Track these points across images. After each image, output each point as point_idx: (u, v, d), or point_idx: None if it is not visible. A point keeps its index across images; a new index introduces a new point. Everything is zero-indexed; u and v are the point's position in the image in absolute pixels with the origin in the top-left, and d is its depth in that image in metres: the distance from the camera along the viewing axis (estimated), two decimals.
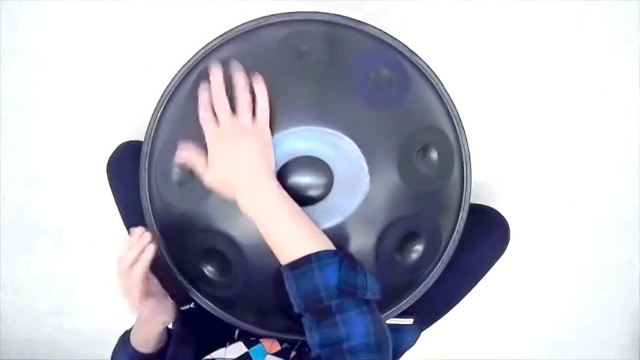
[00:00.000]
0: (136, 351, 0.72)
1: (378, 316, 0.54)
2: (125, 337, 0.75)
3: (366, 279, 0.55)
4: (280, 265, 0.57)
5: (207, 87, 0.61)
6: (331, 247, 0.57)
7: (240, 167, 0.59)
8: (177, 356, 0.72)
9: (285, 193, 0.60)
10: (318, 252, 0.54)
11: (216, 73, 0.61)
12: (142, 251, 0.64)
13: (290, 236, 0.57)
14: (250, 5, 1.04)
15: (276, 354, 0.71)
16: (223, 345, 0.73)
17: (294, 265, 0.54)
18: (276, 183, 0.59)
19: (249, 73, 0.61)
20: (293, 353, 0.73)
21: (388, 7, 1.04)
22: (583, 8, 1.04)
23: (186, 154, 0.62)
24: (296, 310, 0.56)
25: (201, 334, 0.76)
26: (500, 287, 1.23)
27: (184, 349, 0.73)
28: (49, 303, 1.33)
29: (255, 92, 0.61)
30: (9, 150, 1.20)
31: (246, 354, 0.70)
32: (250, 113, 0.60)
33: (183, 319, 0.77)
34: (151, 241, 0.65)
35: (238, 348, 0.71)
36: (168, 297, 0.72)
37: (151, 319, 0.70)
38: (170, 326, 0.75)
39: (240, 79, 0.60)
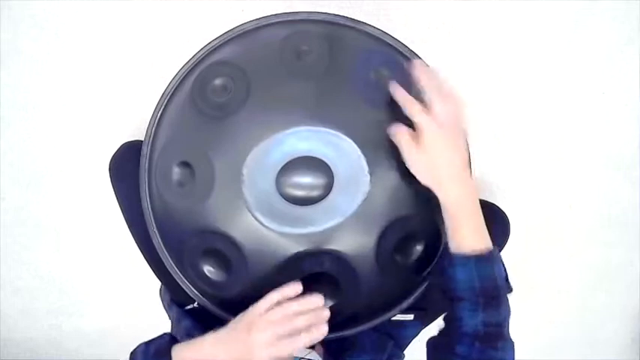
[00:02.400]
0: None
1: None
2: (164, 357, 0.64)
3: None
4: (458, 252, 0.61)
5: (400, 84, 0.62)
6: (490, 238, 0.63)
7: (454, 158, 0.61)
8: None
9: (475, 186, 0.63)
10: (494, 248, 0.62)
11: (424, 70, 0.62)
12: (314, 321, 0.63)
13: (479, 228, 0.62)
14: (251, 5, 1.04)
15: None
16: None
17: (485, 255, 0.61)
18: (470, 177, 0.63)
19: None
20: (317, 345, 0.73)
21: (388, 7, 1.04)
22: (583, 8, 1.04)
23: (400, 134, 0.61)
24: (460, 293, 0.61)
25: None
26: None
27: None
28: (49, 303, 1.33)
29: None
30: (9, 150, 1.20)
31: None
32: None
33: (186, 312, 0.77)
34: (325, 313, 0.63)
35: None
36: None
37: None
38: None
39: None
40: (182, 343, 0.66)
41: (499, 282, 0.61)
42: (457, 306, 0.62)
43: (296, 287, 0.63)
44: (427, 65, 0.63)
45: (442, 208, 0.62)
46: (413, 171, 0.62)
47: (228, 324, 0.64)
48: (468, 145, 0.64)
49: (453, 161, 0.61)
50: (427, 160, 0.61)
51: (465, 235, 0.61)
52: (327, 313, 0.63)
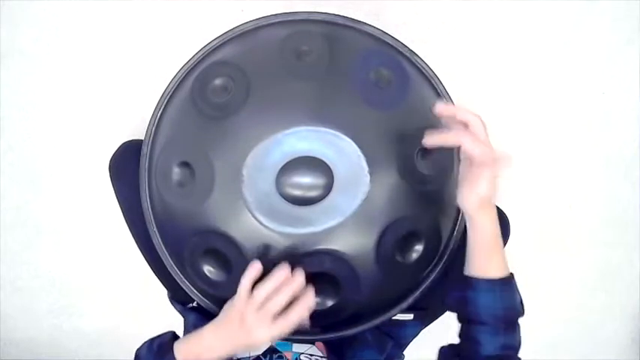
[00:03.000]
0: None
1: None
2: (169, 352, 0.65)
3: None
4: (482, 276, 0.63)
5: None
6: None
7: (494, 192, 0.62)
8: None
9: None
10: (512, 276, 0.65)
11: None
12: (296, 296, 0.63)
13: (503, 254, 0.65)
14: (250, 5, 1.04)
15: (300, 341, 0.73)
16: None
17: (506, 281, 0.64)
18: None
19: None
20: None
21: (388, 7, 1.04)
22: (583, 8, 1.04)
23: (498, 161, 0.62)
24: (483, 318, 0.63)
25: None
26: None
27: None
28: (49, 303, 1.33)
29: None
30: (9, 150, 1.20)
31: (272, 347, 0.72)
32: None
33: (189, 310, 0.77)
34: (307, 287, 0.64)
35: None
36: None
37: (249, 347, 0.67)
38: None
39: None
40: (183, 338, 0.68)
41: (518, 307, 0.66)
42: (477, 329, 0.64)
43: (256, 265, 0.64)
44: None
45: (475, 233, 0.63)
46: (461, 193, 0.62)
47: (220, 315, 0.66)
48: None
49: (494, 194, 0.62)
50: (488, 194, 0.61)
51: (492, 262, 0.63)
52: (301, 279, 0.63)
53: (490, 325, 0.63)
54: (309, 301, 0.64)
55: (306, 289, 0.64)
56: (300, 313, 0.63)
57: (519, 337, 0.66)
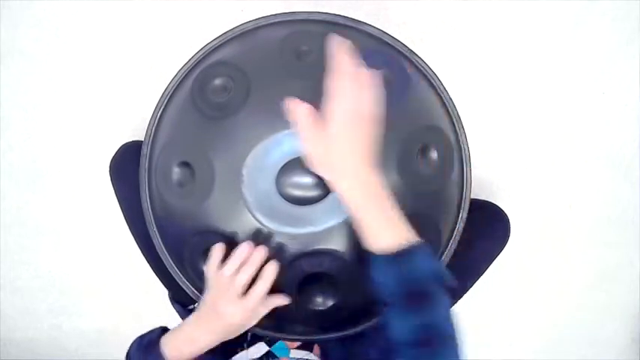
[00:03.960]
0: None
1: (452, 305, 0.58)
2: (155, 345, 0.66)
3: (442, 266, 0.59)
4: (372, 252, 0.56)
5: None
6: (412, 234, 0.57)
7: (356, 145, 0.56)
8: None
9: (384, 184, 0.58)
10: (418, 241, 0.56)
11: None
12: (260, 268, 0.64)
13: (392, 223, 0.56)
14: (250, 5, 1.04)
15: (298, 348, 0.73)
16: (237, 343, 0.73)
17: (398, 253, 0.55)
18: (377, 175, 0.57)
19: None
20: (315, 346, 0.73)
21: (388, 7, 1.04)
22: (583, 8, 1.04)
23: (303, 108, 0.56)
24: (384, 297, 0.56)
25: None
26: (501, 287, 1.23)
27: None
28: (49, 303, 1.33)
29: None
30: (9, 150, 1.20)
31: (269, 352, 0.72)
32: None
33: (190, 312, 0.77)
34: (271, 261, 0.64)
35: (259, 347, 0.73)
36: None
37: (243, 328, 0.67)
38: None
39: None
40: (170, 331, 0.68)
41: (426, 278, 0.55)
42: (385, 312, 0.56)
43: (218, 247, 0.65)
44: (348, 44, 0.58)
45: (349, 209, 0.57)
46: (308, 156, 0.57)
47: (199, 305, 0.67)
48: (377, 133, 0.58)
49: (359, 154, 0.56)
50: (328, 153, 0.56)
51: (376, 232, 0.56)
52: (262, 253, 0.63)
53: (394, 304, 0.55)
54: (273, 271, 0.64)
55: (270, 263, 0.64)
56: (265, 283, 0.63)
57: (441, 311, 0.55)
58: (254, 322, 0.66)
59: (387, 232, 0.56)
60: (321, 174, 0.58)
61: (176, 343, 0.65)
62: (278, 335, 0.72)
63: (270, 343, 0.74)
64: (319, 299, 0.69)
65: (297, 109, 0.56)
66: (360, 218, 0.56)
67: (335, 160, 0.56)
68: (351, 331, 0.72)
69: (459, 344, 0.55)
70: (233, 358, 0.72)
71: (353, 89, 0.55)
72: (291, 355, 0.72)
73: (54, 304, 1.33)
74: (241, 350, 0.73)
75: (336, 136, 0.55)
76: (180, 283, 0.73)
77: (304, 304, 0.69)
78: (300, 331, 0.72)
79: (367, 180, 0.56)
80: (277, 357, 0.72)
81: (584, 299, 1.26)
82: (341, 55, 0.56)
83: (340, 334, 0.71)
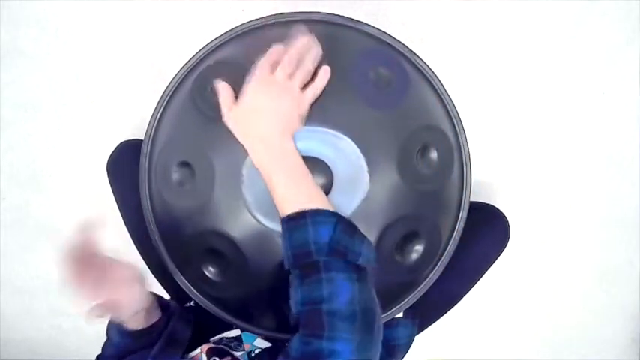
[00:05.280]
0: (128, 329, 0.67)
1: (367, 287, 0.53)
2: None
3: (362, 245, 0.54)
4: (280, 216, 0.57)
5: (284, 46, 0.60)
6: (332, 209, 0.56)
7: (267, 115, 0.59)
8: (177, 332, 0.70)
9: (299, 155, 0.59)
10: (317, 209, 0.55)
11: (302, 40, 0.60)
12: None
13: (296, 192, 0.57)
14: (250, 5, 1.04)
15: (264, 337, 0.73)
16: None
17: (292, 217, 0.55)
18: (293, 144, 0.59)
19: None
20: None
21: (387, 7, 1.04)
22: (583, 8, 1.04)
23: (223, 85, 0.61)
24: (286, 265, 0.55)
25: (202, 327, 0.76)
26: (500, 288, 1.23)
27: (183, 325, 0.72)
28: (49, 303, 1.33)
29: (318, 75, 0.62)
30: (9, 150, 1.20)
31: (239, 336, 0.72)
32: (302, 84, 0.61)
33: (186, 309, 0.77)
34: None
35: (234, 331, 0.74)
36: (139, 283, 0.65)
37: (123, 310, 0.64)
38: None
39: (314, 53, 0.61)
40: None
41: (315, 247, 0.52)
42: (289, 281, 0.55)
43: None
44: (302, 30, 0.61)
45: (257, 167, 0.59)
46: (229, 128, 0.60)
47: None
48: (297, 117, 0.61)
49: (270, 120, 0.58)
50: (239, 118, 0.59)
51: (282, 196, 0.56)
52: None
53: (293, 274, 0.54)
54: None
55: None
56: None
57: (331, 289, 0.50)
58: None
59: (293, 196, 0.56)
60: (241, 142, 0.59)
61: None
62: (260, 331, 0.72)
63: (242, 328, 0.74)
64: None
65: (221, 87, 0.61)
66: (268, 181, 0.57)
67: (246, 124, 0.59)
68: None
69: (352, 340, 0.48)
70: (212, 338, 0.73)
71: (266, 62, 0.59)
72: (254, 343, 0.72)
73: (54, 304, 1.33)
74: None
75: (246, 103, 0.59)
76: (180, 283, 0.73)
77: None
78: (282, 326, 0.72)
79: (277, 145, 0.58)
80: (242, 342, 0.72)
81: (584, 299, 1.26)
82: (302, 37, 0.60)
83: None
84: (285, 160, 0.58)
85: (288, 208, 0.55)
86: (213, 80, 0.63)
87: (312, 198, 0.56)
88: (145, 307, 0.66)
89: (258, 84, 0.59)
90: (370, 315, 0.51)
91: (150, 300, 0.67)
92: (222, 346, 0.69)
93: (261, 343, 0.73)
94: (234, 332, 0.74)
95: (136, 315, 0.66)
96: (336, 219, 0.54)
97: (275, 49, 0.60)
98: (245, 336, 0.73)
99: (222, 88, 0.61)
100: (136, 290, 0.64)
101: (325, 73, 0.62)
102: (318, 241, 0.52)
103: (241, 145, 0.60)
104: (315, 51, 0.61)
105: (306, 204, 0.55)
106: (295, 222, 0.54)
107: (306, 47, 0.60)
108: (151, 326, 0.68)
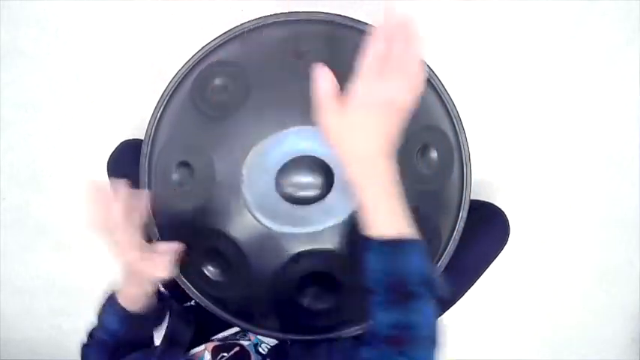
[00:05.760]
0: (125, 310, 0.68)
1: (438, 314, 0.55)
2: (112, 296, 0.70)
3: (437, 274, 0.58)
4: (368, 236, 0.54)
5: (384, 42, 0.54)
6: (414, 230, 0.55)
7: (374, 135, 0.54)
8: (178, 333, 0.71)
9: (397, 175, 0.56)
10: (415, 238, 0.54)
11: (404, 35, 0.53)
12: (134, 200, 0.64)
13: (395, 216, 0.54)
14: (250, 5, 1.04)
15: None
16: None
17: (389, 242, 0.53)
18: (392, 164, 0.55)
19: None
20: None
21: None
22: (583, 8, 1.04)
23: (325, 74, 0.54)
24: (370, 284, 0.54)
25: (203, 327, 0.76)
26: (500, 288, 1.23)
27: (184, 326, 0.73)
28: (49, 303, 1.33)
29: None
30: (9, 150, 1.20)
31: (240, 331, 0.73)
32: (407, 93, 0.54)
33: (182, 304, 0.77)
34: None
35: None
36: (163, 253, 0.67)
37: (144, 274, 0.66)
38: (162, 289, 0.76)
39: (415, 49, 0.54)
40: None
41: (414, 277, 0.53)
42: (370, 300, 0.54)
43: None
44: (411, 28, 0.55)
45: (353, 188, 0.55)
46: (323, 132, 0.55)
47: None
48: (400, 124, 0.56)
49: (374, 139, 0.54)
50: (342, 130, 0.54)
51: (376, 218, 0.54)
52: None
53: (378, 293, 0.53)
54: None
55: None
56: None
57: (419, 317, 0.53)
58: None
59: (386, 220, 0.54)
60: (332, 150, 0.55)
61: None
62: (260, 331, 0.72)
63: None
64: (317, 299, 0.69)
65: (322, 76, 0.54)
66: (363, 201, 0.55)
67: (348, 140, 0.54)
68: (350, 332, 0.72)
69: (432, 354, 0.52)
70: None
71: (387, 72, 0.52)
72: (258, 335, 0.73)
73: (54, 304, 1.33)
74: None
75: (354, 118, 0.53)
76: (180, 283, 0.73)
77: (302, 304, 0.69)
78: (282, 327, 0.72)
79: (377, 166, 0.54)
80: (247, 333, 0.73)
81: (584, 299, 1.26)
82: (377, 38, 0.52)
83: (339, 333, 0.71)
84: (386, 182, 0.55)
85: (385, 230, 0.53)
86: (214, 81, 0.63)
87: (408, 224, 0.55)
88: (166, 277, 0.67)
89: (368, 101, 0.53)
90: (440, 341, 0.54)
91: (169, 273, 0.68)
92: (228, 342, 0.69)
93: (265, 338, 0.73)
94: (236, 328, 0.74)
95: (145, 293, 0.67)
96: (426, 249, 0.55)
97: (375, 51, 0.53)
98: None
99: (324, 79, 0.53)
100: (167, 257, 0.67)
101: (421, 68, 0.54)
102: (414, 271, 0.53)
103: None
104: (416, 46, 0.53)
105: (403, 229, 0.54)
106: (393, 247, 0.53)
107: (408, 43, 0.53)
108: (148, 312, 0.69)
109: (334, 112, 0.54)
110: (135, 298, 0.68)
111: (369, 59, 0.53)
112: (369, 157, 0.54)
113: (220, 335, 0.73)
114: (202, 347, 0.68)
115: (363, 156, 0.54)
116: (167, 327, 0.71)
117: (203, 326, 0.75)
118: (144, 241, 0.67)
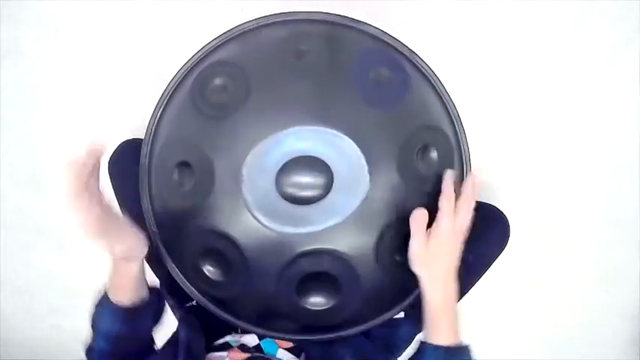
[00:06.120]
0: (117, 305, 0.67)
1: None
2: (103, 296, 0.69)
3: None
4: (429, 340, 0.66)
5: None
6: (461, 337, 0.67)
7: (448, 261, 0.65)
8: (191, 341, 0.70)
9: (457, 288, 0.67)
10: (468, 345, 0.66)
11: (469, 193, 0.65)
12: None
13: (453, 325, 0.66)
14: (250, 5, 1.04)
15: (288, 349, 0.73)
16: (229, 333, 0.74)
17: (452, 347, 0.65)
18: (455, 283, 0.67)
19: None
20: (303, 354, 0.73)
21: (388, 7, 1.04)
22: (583, 8, 1.04)
23: (421, 216, 0.64)
24: None
25: (205, 329, 0.76)
26: (500, 288, 1.23)
27: (198, 336, 0.72)
28: (49, 303, 1.33)
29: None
30: (9, 150, 1.20)
31: (258, 345, 0.73)
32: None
33: (187, 310, 0.77)
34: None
35: (253, 337, 0.74)
36: (136, 232, 0.66)
37: (124, 255, 0.65)
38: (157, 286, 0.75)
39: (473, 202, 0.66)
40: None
41: None
42: None
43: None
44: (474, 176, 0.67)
45: (425, 302, 0.66)
46: (412, 260, 0.65)
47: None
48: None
49: (448, 265, 0.65)
50: (428, 257, 0.64)
51: (440, 329, 0.65)
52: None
53: None
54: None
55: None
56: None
57: None
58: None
59: (448, 331, 0.65)
60: (416, 271, 0.66)
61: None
62: (260, 331, 0.72)
63: (260, 337, 0.75)
64: (318, 299, 0.69)
65: (418, 215, 0.64)
66: (434, 316, 0.66)
67: (432, 265, 0.65)
68: (350, 332, 0.72)
69: None
70: (224, 337, 0.73)
71: (457, 212, 0.64)
72: (277, 355, 0.73)
73: (54, 304, 1.33)
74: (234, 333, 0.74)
75: (438, 248, 0.64)
76: (180, 283, 0.73)
77: (302, 304, 0.69)
78: (281, 327, 0.72)
79: (448, 286, 0.66)
80: (264, 353, 0.73)
81: (584, 299, 1.26)
82: (450, 183, 0.65)
83: (339, 334, 0.71)
84: (453, 300, 0.66)
85: (446, 337, 0.65)
86: (214, 81, 0.63)
87: (460, 332, 0.67)
88: (138, 255, 0.67)
89: (447, 236, 0.64)
90: None
91: (143, 252, 0.67)
92: (259, 355, 0.71)
93: (284, 355, 0.73)
94: (250, 338, 0.74)
95: (130, 280, 0.67)
96: (473, 352, 0.67)
97: (450, 197, 0.64)
98: (265, 345, 0.73)
99: (422, 218, 0.64)
100: (133, 231, 0.65)
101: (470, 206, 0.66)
102: None
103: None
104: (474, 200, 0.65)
105: (459, 336, 0.66)
106: (455, 351, 0.65)
107: (472, 197, 0.65)
108: (141, 304, 0.69)
109: (423, 244, 0.64)
110: (125, 289, 0.67)
111: (449, 201, 0.63)
112: (446, 280, 0.65)
113: (238, 342, 0.73)
114: (224, 353, 0.69)
115: (442, 280, 0.65)
116: (183, 337, 0.70)
117: (204, 327, 0.75)
118: (108, 215, 0.62)
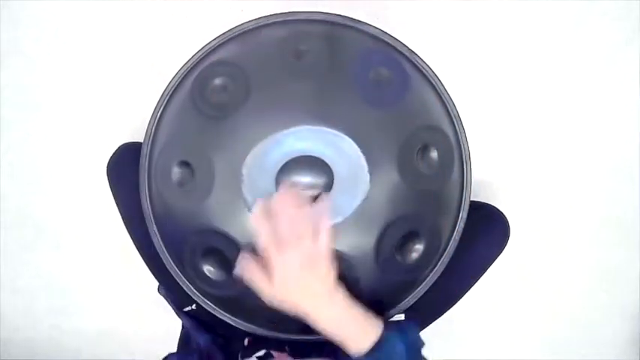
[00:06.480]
0: None
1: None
2: None
3: (414, 331, 0.65)
4: (355, 355, 0.60)
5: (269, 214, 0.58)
6: (380, 322, 0.62)
7: (309, 292, 0.59)
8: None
9: (347, 297, 0.61)
10: (385, 329, 0.61)
11: (283, 200, 0.58)
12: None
13: (360, 329, 0.61)
14: (250, 5, 1.04)
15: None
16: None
17: (375, 347, 0.60)
18: (340, 295, 0.61)
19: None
20: None
21: (388, 7, 1.05)
22: (583, 8, 1.04)
23: (247, 264, 0.59)
24: None
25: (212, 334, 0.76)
26: (500, 288, 1.23)
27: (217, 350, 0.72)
28: (49, 303, 1.33)
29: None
30: (9, 150, 1.20)
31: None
32: (313, 234, 0.58)
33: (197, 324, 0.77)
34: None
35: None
36: None
37: None
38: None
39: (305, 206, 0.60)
40: None
41: (401, 356, 0.61)
42: None
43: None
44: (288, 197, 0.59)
45: (319, 330, 0.60)
46: (274, 305, 0.59)
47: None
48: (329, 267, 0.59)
49: (315, 290, 0.59)
50: (285, 297, 0.59)
51: (353, 341, 0.60)
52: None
53: None
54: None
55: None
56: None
57: None
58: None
59: (361, 336, 0.60)
60: (295, 313, 0.60)
61: None
62: (260, 332, 0.72)
63: (260, 337, 0.74)
64: None
65: (247, 267, 0.59)
66: (336, 334, 0.60)
67: (297, 302, 0.59)
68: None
69: None
70: None
71: (283, 245, 0.56)
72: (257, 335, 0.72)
73: (54, 304, 1.33)
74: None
75: (285, 287, 0.58)
76: (181, 283, 0.73)
77: None
78: (282, 327, 0.72)
79: (331, 305, 0.60)
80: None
81: (584, 299, 1.26)
82: (282, 200, 0.58)
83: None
84: (343, 306, 0.61)
85: (360, 345, 0.60)
86: (214, 81, 0.63)
87: (371, 324, 0.61)
88: None
89: (281, 269, 0.57)
90: None
91: None
92: None
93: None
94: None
95: None
96: (394, 327, 0.62)
97: (260, 222, 0.58)
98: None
99: (249, 270, 0.58)
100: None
101: (324, 208, 0.61)
102: (399, 351, 0.61)
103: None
104: (302, 204, 0.59)
105: (373, 335, 0.60)
106: (377, 351, 0.59)
107: (292, 207, 0.58)
108: None
109: (269, 286, 0.58)
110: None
111: (262, 240, 0.57)
112: (323, 303, 0.59)
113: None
114: None
115: (319, 307, 0.59)
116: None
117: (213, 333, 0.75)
118: None
